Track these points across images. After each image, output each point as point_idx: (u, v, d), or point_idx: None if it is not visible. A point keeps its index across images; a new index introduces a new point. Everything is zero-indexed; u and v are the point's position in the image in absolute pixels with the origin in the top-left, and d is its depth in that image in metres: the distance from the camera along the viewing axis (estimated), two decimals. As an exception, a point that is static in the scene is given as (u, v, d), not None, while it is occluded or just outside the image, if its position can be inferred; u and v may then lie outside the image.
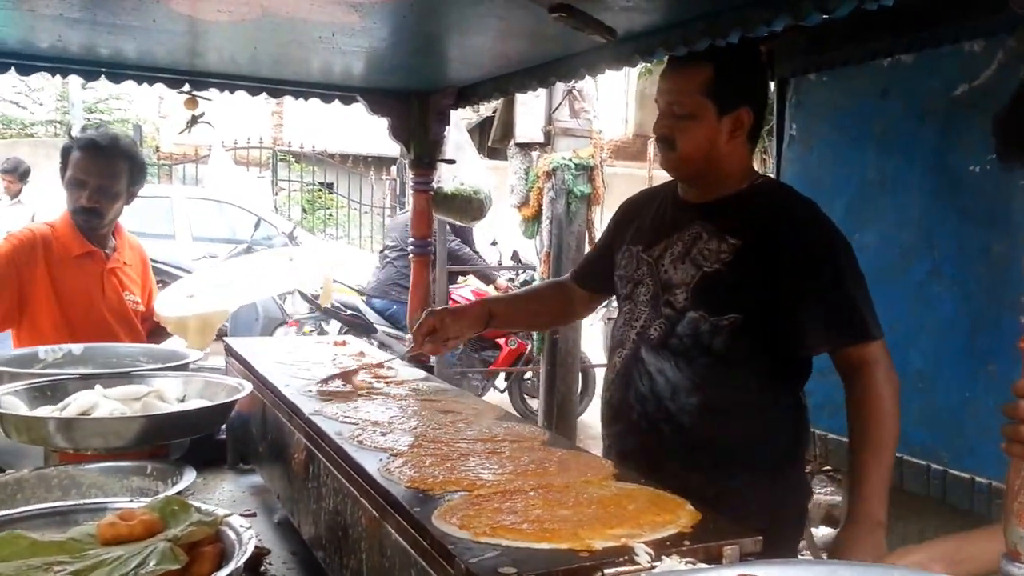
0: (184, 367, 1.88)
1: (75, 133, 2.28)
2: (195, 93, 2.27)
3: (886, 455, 1.37)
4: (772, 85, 2.57)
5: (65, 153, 2.23)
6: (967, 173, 1.91)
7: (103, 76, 2.08)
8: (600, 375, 4.78)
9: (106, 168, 2.18)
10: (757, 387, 1.45)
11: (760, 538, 0.92)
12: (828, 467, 3.05)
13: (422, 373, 1.84)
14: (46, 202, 6.88)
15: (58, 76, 2.15)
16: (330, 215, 11.86)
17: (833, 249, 1.42)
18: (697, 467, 1.29)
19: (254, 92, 2.34)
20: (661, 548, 0.87)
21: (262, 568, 1.35)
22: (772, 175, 2.53)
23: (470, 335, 1.82)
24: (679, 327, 1.47)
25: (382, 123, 2.49)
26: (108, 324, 2.22)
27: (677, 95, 1.47)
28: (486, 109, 7.73)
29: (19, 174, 6.60)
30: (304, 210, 11.73)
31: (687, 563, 0.85)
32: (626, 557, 0.85)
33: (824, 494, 3.50)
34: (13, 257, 2.15)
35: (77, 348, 2.03)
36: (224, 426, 1.79)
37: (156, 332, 2.42)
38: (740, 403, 1.44)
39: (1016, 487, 0.73)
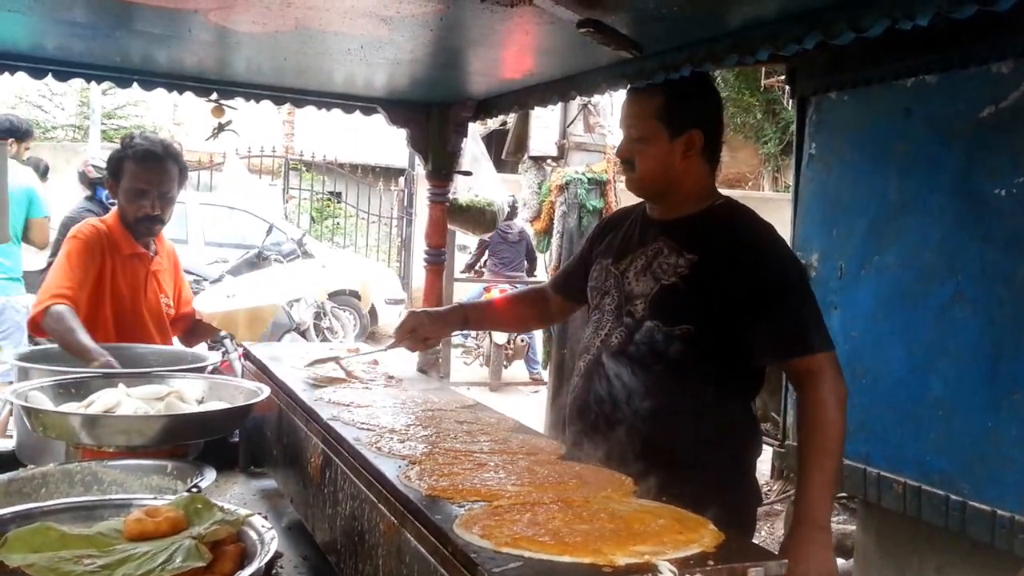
0: (202, 369, 1.90)
1: (130, 141, 2.27)
2: (222, 102, 2.31)
3: (828, 462, 1.43)
4: (791, 103, 2.57)
5: (117, 163, 2.22)
6: (992, 196, 1.89)
7: (135, 83, 2.12)
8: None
9: (163, 175, 2.21)
10: (705, 395, 1.52)
11: (786, 562, 0.91)
12: (842, 494, 2.99)
13: (436, 383, 1.85)
14: (61, 203, 6.99)
15: (79, 81, 2.20)
16: (338, 224, 11.90)
17: (781, 267, 1.52)
18: (650, 469, 1.33)
19: (279, 102, 2.39)
20: (685, 567, 0.86)
21: (274, 571, 1.35)
22: (789, 193, 2.52)
23: (446, 335, 1.94)
24: (637, 335, 1.56)
25: (391, 133, 2.51)
26: (146, 324, 2.28)
27: (634, 120, 1.60)
28: (494, 122, 7.74)
29: (40, 172, 6.74)
30: (312, 219, 11.78)
31: (711, 582, 0.84)
32: (650, 575, 0.84)
33: (837, 523, 3.40)
34: (93, 245, 2.18)
35: None
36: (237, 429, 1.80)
37: (195, 331, 2.48)
38: (688, 409, 1.52)
39: None
